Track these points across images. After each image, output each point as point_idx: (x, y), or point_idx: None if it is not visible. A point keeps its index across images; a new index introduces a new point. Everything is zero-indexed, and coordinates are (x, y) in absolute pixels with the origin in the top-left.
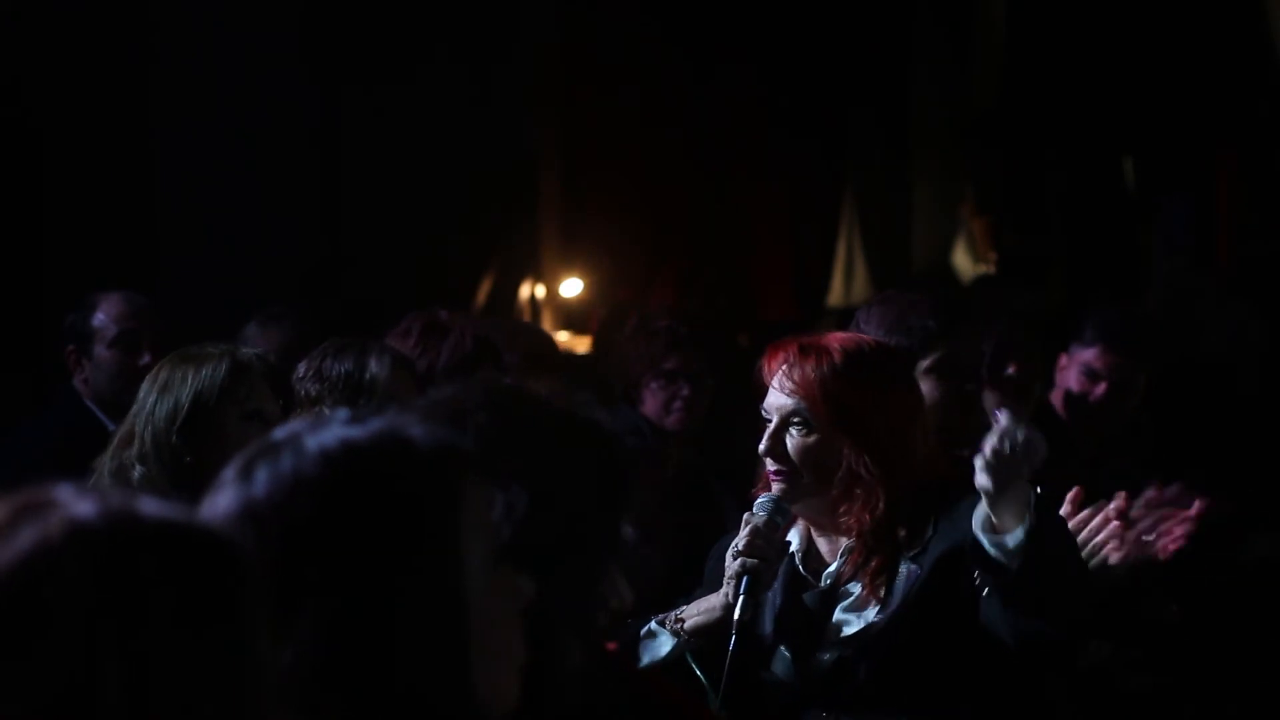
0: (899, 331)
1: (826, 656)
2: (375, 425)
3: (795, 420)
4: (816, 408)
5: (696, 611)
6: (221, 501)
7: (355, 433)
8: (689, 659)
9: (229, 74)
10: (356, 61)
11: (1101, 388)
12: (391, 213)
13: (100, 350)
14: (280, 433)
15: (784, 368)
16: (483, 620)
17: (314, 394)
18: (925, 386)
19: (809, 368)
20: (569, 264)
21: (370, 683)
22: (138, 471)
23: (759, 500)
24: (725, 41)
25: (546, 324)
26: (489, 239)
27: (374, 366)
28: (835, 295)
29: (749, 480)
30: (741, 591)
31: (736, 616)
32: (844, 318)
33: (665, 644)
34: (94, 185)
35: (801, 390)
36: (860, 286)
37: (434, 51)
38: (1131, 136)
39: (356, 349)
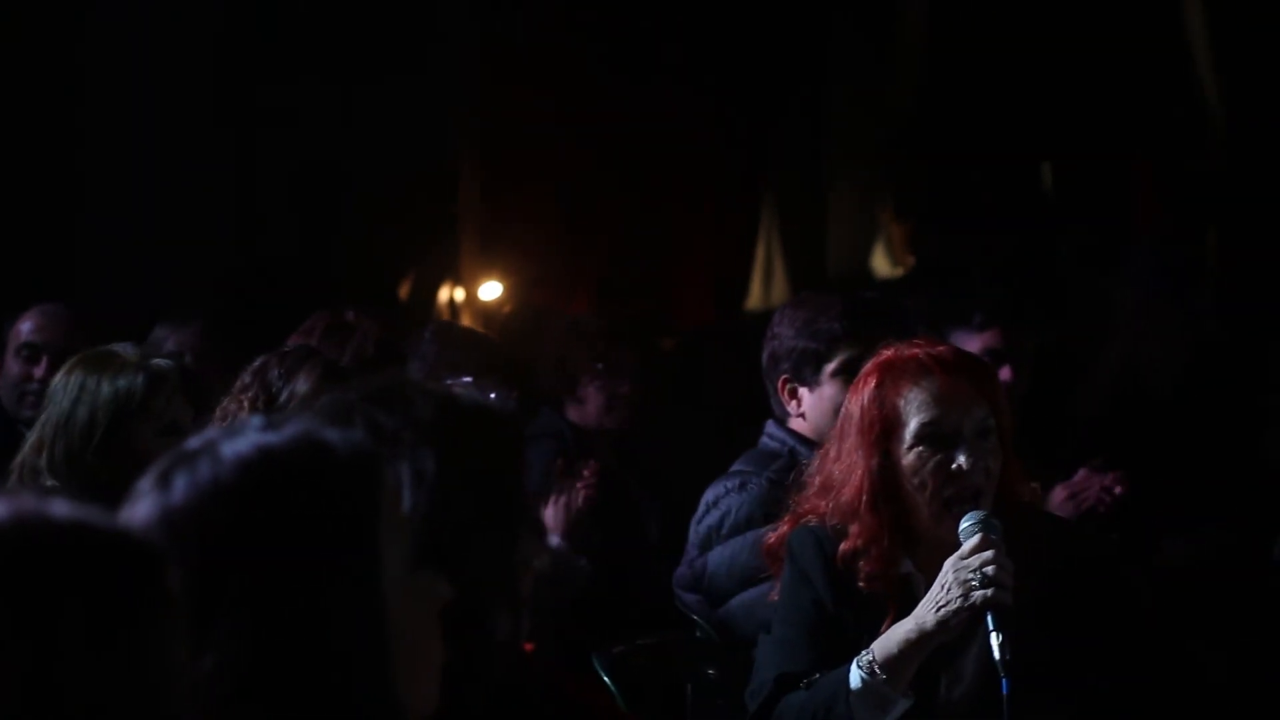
0: (807, 334)
1: (954, 693)
2: (290, 431)
3: (988, 429)
4: (1000, 415)
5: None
6: (139, 511)
7: (271, 439)
8: (595, 662)
9: (149, 75)
10: (275, 67)
11: (1007, 369)
12: (309, 216)
13: (8, 360)
14: (196, 441)
15: (951, 377)
16: (402, 623)
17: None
18: (831, 389)
19: (983, 375)
20: (488, 267)
21: (290, 689)
22: (49, 483)
23: (967, 523)
24: (644, 46)
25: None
26: (409, 243)
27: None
28: (754, 298)
29: (670, 483)
30: (993, 628)
31: (999, 657)
32: (763, 321)
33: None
34: (13, 189)
35: (989, 398)
36: (779, 290)
37: (354, 54)
38: (1049, 142)
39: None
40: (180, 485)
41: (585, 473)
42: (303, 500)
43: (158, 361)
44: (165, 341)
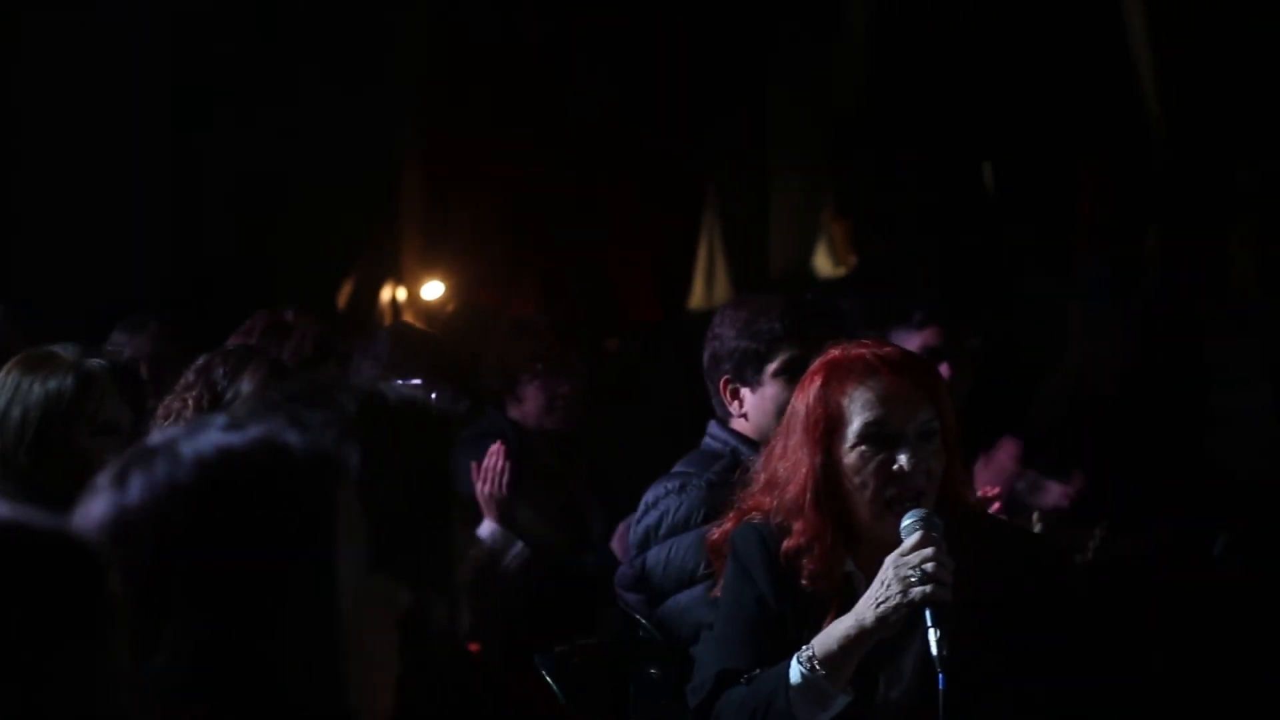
0: (748, 334)
1: (893, 692)
2: (252, 432)
3: (932, 431)
4: (945, 418)
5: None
6: (95, 509)
7: (231, 439)
8: (537, 662)
9: (91, 79)
10: (216, 71)
11: (945, 367)
12: (250, 217)
13: None
14: (156, 439)
15: (896, 377)
16: (358, 629)
17: (205, 405)
18: (772, 389)
19: (930, 376)
20: (430, 267)
21: (241, 692)
22: None
23: (908, 521)
24: (586, 44)
25: None
26: (351, 243)
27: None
28: (697, 298)
29: (614, 482)
30: (931, 624)
31: (936, 653)
32: (706, 321)
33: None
34: None
35: (934, 400)
36: (721, 289)
37: (295, 57)
38: (991, 142)
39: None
40: (137, 484)
41: (496, 459)
42: (259, 502)
43: (90, 362)
44: (122, 346)
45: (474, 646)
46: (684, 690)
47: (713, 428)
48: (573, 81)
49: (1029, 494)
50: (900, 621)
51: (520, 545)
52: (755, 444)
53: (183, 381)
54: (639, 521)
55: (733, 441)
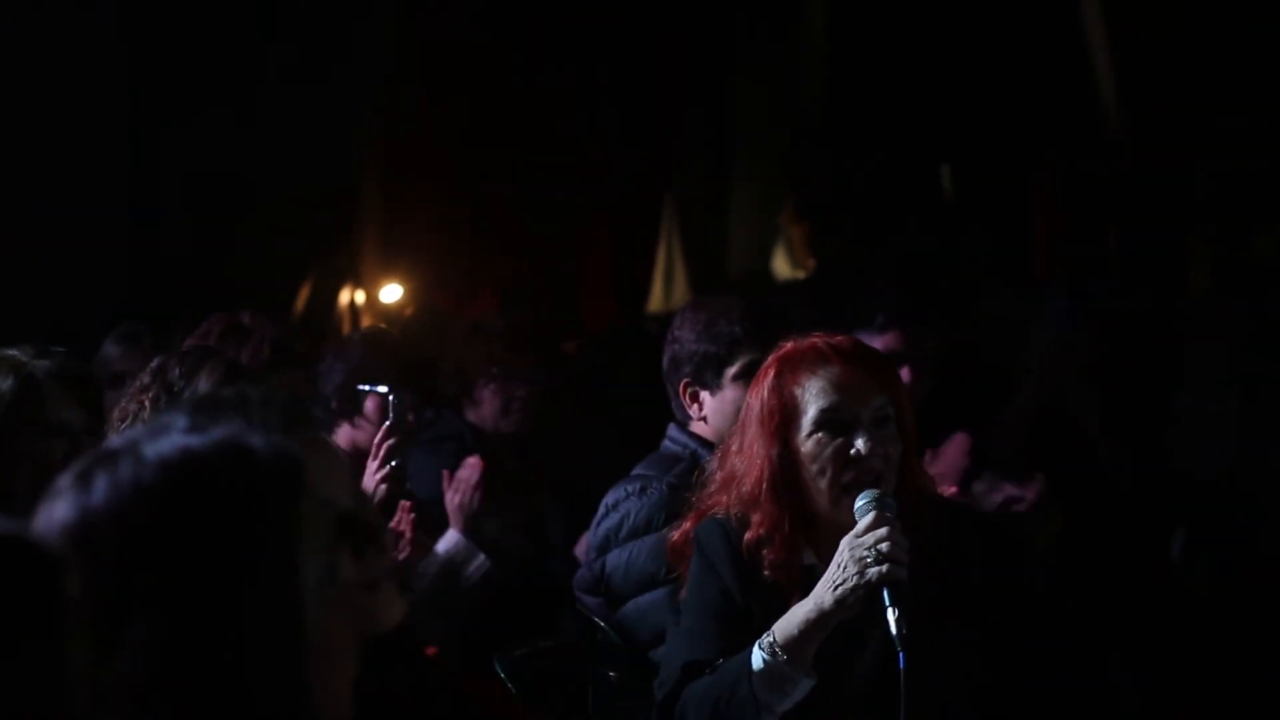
0: (707, 338)
1: (855, 673)
2: (215, 434)
3: (887, 417)
4: (900, 406)
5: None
6: (58, 511)
7: (195, 441)
8: (496, 664)
9: (47, 78)
10: (177, 72)
11: (906, 370)
12: (209, 217)
13: None
14: (118, 440)
15: (849, 365)
16: (320, 633)
17: (162, 406)
18: (732, 393)
19: (882, 364)
20: (389, 270)
21: (203, 693)
22: None
23: (862, 502)
24: (547, 47)
25: None
26: (310, 246)
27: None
28: (655, 301)
29: (573, 485)
30: (889, 603)
31: (895, 632)
32: (664, 323)
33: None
34: None
35: (888, 387)
36: (680, 292)
37: (256, 59)
38: (949, 146)
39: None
40: (101, 486)
41: (472, 472)
42: (223, 504)
43: (35, 364)
44: (114, 359)
45: (432, 650)
46: (642, 693)
47: (672, 430)
48: (533, 85)
49: (987, 495)
50: (859, 603)
51: (483, 557)
52: (715, 447)
53: (138, 383)
54: (599, 524)
55: (692, 444)
